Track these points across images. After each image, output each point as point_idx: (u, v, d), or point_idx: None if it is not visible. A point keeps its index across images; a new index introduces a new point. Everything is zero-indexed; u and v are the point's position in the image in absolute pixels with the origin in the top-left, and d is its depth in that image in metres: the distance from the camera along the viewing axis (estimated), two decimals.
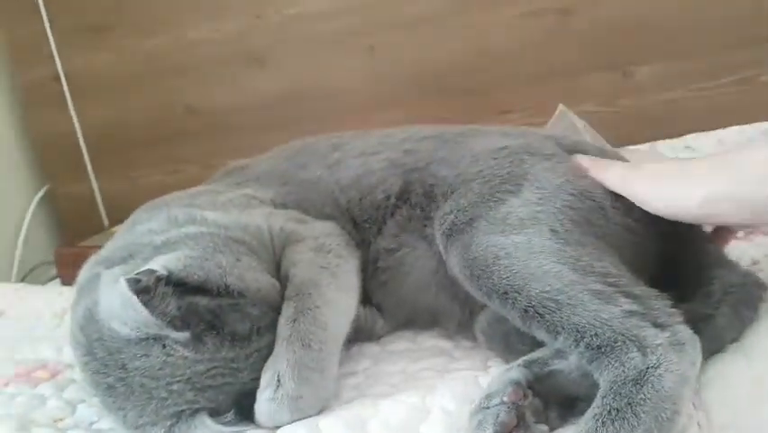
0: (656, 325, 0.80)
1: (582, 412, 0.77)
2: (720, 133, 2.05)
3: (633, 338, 0.78)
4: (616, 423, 0.73)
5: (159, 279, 0.84)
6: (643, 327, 0.80)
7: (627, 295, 0.83)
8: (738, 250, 1.08)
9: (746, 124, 2.03)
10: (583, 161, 1.05)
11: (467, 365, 0.99)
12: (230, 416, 0.88)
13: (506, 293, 0.88)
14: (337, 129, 1.32)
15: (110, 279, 0.91)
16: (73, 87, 2.66)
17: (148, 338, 0.86)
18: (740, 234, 1.07)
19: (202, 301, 0.88)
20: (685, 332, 0.80)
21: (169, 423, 0.87)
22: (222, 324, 0.88)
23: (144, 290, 0.83)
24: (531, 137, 1.13)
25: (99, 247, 1.08)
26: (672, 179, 0.94)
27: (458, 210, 1.00)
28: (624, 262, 0.92)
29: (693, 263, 0.99)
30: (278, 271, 1.03)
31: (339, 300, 0.99)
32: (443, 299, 1.08)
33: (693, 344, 0.80)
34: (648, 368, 0.76)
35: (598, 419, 0.74)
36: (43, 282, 2.43)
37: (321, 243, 1.06)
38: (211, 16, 2.51)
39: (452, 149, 1.13)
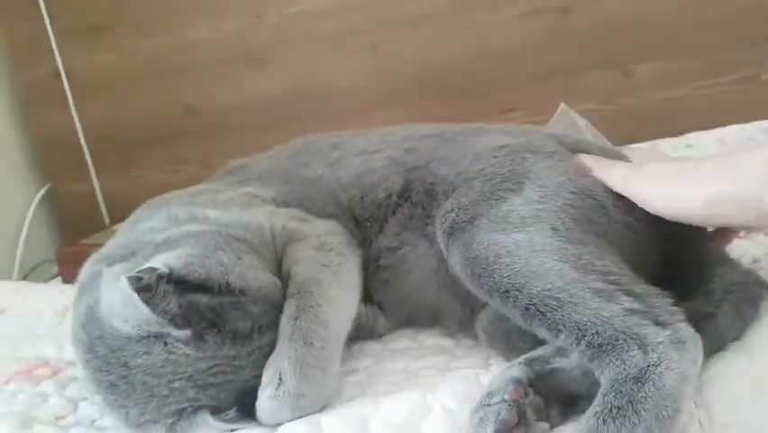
0: (657, 323, 0.80)
1: (583, 410, 0.77)
2: (721, 131, 2.05)
3: (634, 336, 0.79)
4: (617, 421, 0.73)
5: (160, 277, 0.85)
6: (644, 325, 0.80)
7: (628, 293, 0.83)
8: (739, 248, 1.08)
9: (747, 122, 2.03)
10: (586, 160, 1.05)
11: (468, 363, 0.99)
12: (231, 413, 0.88)
13: (507, 291, 0.88)
14: (338, 128, 1.32)
15: (111, 277, 0.91)
16: (74, 87, 2.66)
17: (149, 336, 0.86)
18: (741, 232, 1.07)
19: (203, 299, 0.88)
20: (686, 330, 0.80)
21: (170, 421, 0.87)
22: (223, 322, 0.89)
23: (145, 287, 0.83)
24: (532, 135, 1.13)
25: (100, 245, 1.08)
26: (675, 180, 0.94)
27: (459, 208, 1.00)
28: (625, 261, 0.92)
29: (694, 262, 0.99)
30: (280, 269, 1.02)
31: (340, 299, 0.99)
32: (445, 298, 1.08)
33: (694, 342, 0.80)
34: (649, 366, 0.76)
35: (599, 417, 0.74)
36: (45, 280, 2.44)
37: (322, 241, 1.06)
38: (211, 16, 2.51)
39: (453, 147, 1.13)
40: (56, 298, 1.53)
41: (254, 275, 0.95)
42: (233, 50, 2.52)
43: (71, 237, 2.64)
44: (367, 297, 1.10)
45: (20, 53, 2.68)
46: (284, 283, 0.99)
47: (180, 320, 0.85)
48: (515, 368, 0.85)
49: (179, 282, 0.87)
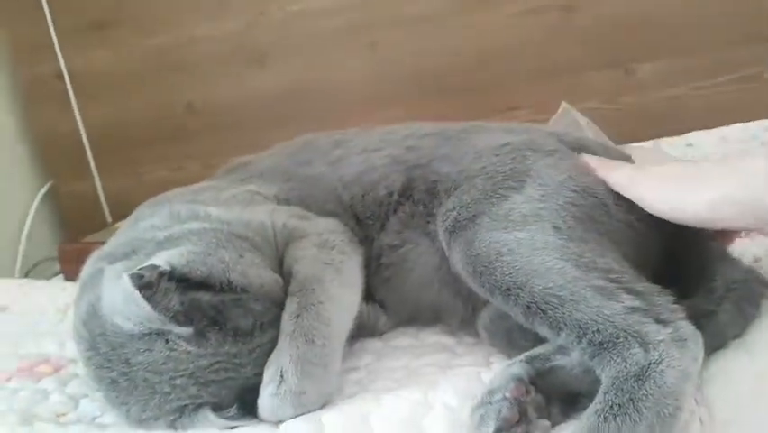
0: (658, 321, 0.80)
1: (584, 408, 0.77)
2: (724, 130, 2.05)
3: (635, 334, 0.79)
4: (618, 419, 0.73)
5: (161, 274, 0.85)
6: (645, 322, 0.80)
7: (630, 291, 0.83)
8: (740, 247, 1.08)
9: (749, 121, 2.03)
10: (590, 161, 1.05)
11: (469, 361, 0.99)
12: (233, 411, 0.88)
13: (508, 289, 0.88)
14: (339, 126, 1.32)
15: (113, 274, 0.91)
16: (76, 85, 2.66)
17: (151, 333, 0.86)
18: (742, 233, 1.07)
19: (205, 297, 0.88)
20: (687, 328, 0.80)
21: (171, 418, 0.87)
22: (224, 319, 0.89)
23: (147, 285, 0.83)
24: (534, 134, 1.13)
25: (102, 243, 1.08)
26: (679, 182, 0.94)
27: (461, 207, 1.00)
28: (626, 259, 0.92)
29: (695, 260, 0.99)
30: (281, 267, 1.03)
31: (342, 296, 0.99)
32: (446, 296, 1.08)
33: (695, 340, 0.80)
34: (650, 364, 0.76)
35: (600, 415, 0.74)
36: (47, 278, 2.43)
37: (324, 239, 1.06)
38: (213, 14, 2.51)
39: (454, 145, 1.13)
40: (58, 295, 1.53)
41: (256, 273, 0.95)
42: (235, 47, 2.52)
43: (73, 235, 2.64)
44: (368, 295, 1.10)
45: (22, 52, 2.68)
46: (285, 281, 0.99)
47: (182, 317, 0.86)
48: (516, 366, 0.85)
49: (181, 280, 0.87)
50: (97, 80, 2.64)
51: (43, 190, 2.74)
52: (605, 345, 0.79)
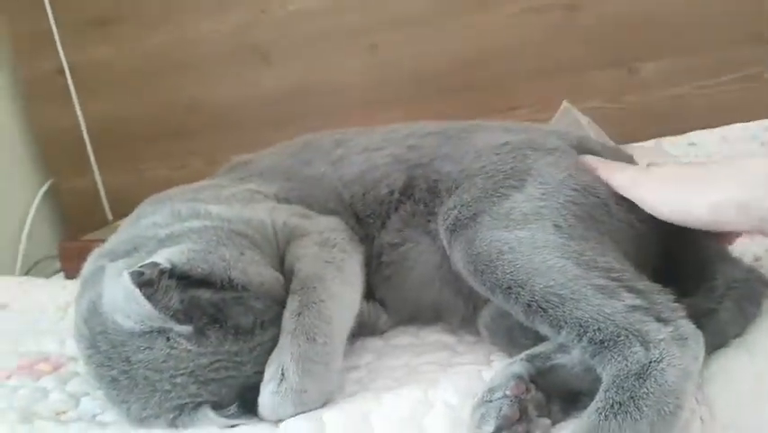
0: (659, 319, 0.80)
1: (585, 406, 0.77)
2: (725, 129, 2.05)
3: (636, 333, 0.79)
4: (618, 417, 0.73)
5: (162, 272, 0.85)
6: (646, 321, 0.80)
7: (630, 290, 0.83)
8: (741, 246, 1.08)
9: (751, 121, 2.03)
10: (593, 161, 1.05)
11: (470, 360, 0.99)
12: (233, 409, 0.88)
13: (509, 288, 0.88)
14: (341, 125, 1.32)
15: (114, 272, 0.91)
16: (77, 82, 2.66)
17: (151, 331, 0.86)
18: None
19: (205, 295, 0.88)
20: (688, 327, 0.80)
21: (172, 416, 0.87)
22: (225, 317, 0.89)
23: (147, 283, 0.83)
24: (534, 132, 1.14)
25: (103, 241, 1.08)
26: (681, 184, 0.94)
27: (461, 205, 1.00)
28: (627, 258, 0.92)
29: (696, 259, 0.99)
30: (282, 265, 1.03)
31: (343, 294, 0.99)
32: (447, 294, 1.08)
33: (696, 338, 0.80)
34: (651, 362, 0.76)
35: (600, 413, 0.74)
36: (47, 276, 2.44)
37: (325, 237, 1.06)
38: (215, 11, 2.52)
39: (455, 145, 1.13)
40: (58, 293, 1.53)
41: (256, 271, 0.95)
42: (237, 44, 2.52)
43: (74, 233, 2.64)
44: (369, 293, 1.10)
45: (23, 48, 2.68)
46: (287, 279, 0.99)
47: (182, 316, 0.86)
48: (516, 364, 0.85)
49: (182, 278, 0.87)
50: (99, 76, 2.65)
51: (44, 188, 2.74)
52: (606, 344, 0.79)
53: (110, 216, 2.72)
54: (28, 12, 2.61)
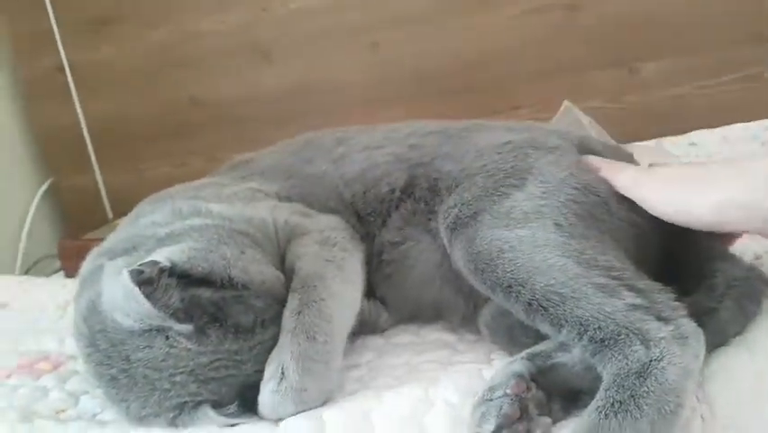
0: (660, 318, 0.80)
1: (585, 405, 0.77)
2: (725, 129, 2.05)
3: (636, 331, 0.79)
4: (619, 416, 0.73)
5: (162, 270, 0.84)
6: (646, 320, 0.80)
7: (631, 288, 0.83)
8: (741, 245, 1.08)
9: (751, 121, 2.03)
10: (595, 162, 1.05)
11: (470, 358, 0.99)
12: (233, 408, 0.88)
13: (510, 286, 0.88)
14: (342, 123, 1.32)
15: (113, 270, 0.91)
16: (77, 80, 2.66)
17: (151, 330, 0.86)
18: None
19: (205, 293, 0.88)
20: (688, 325, 0.80)
21: (171, 415, 0.87)
22: (225, 316, 0.88)
23: (147, 281, 0.83)
24: (535, 132, 1.14)
25: (102, 240, 1.08)
26: (683, 184, 0.94)
27: (462, 204, 1.00)
28: (627, 256, 0.92)
29: (696, 257, 0.98)
30: (283, 263, 1.02)
31: (344, 293, 0.99)
32: (448, 293, 1.08)
33: (697, 337, 0.80)
34: (651, 361, 0.76)
35: (601, 412, 0.74)
36: (47, 275, 2.45)
37: (326, 236, 1.06)
38: (216, 9, 2.52)
39: (456, 144, 1.13)
40: (58, 292, 1.53)
41: (257, 269, 0.95)
42: (239, 42, 2.52)
43: (74, 231, 2.64)
44: (369, 292, 1.10)
45: (23, 46, 2.69)
46: (287, 278, 0.99)
47: (182, 314, 0.85)
48: (517, 363, 0.85)
49: (182, 276, 0.87)
50: (99, 75, 2.65)
51: (44, 187, 2.74)
52: (606, 343, 0.79)
53: (110, 215, 2.73)
54: (28, 11, 2.61)
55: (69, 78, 2.65)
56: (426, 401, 0.84)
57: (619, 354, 0.78)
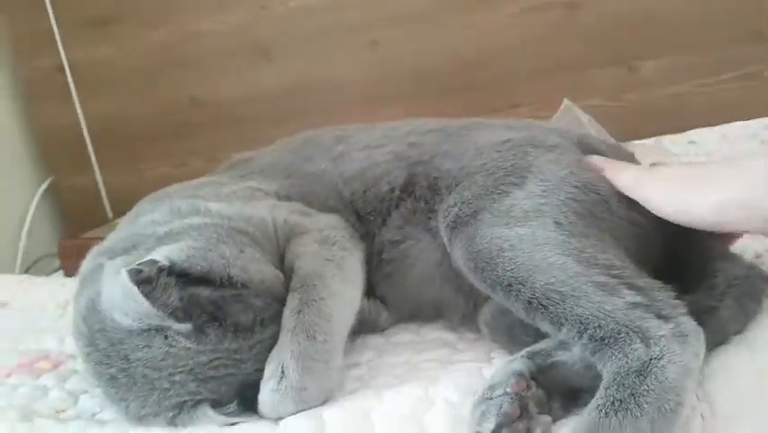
0: (660, 316, 0.80)
1: (585, 403, 0.77)
2: (725, 128, 2.05)
3: (636, 330, 0.78)
4: (619, 414, 0.73)
5: (161, 269, 0.84)
6: (646, 318, 0.79)
7: (631, 287, 0.83)
8: (741, 244, 1.08)
9: (751, 119, 2.03)
10: (597, 161, 1.05)
11: (470, 357, 0.99)
12: (233, 407, 0.88)
13: (510, 285, 0.88)
14: (341, 122, 1.32)
15: (112, 269, 0.91)
16: (77, 79, 2.66)
17: (150, 329, 0.86)
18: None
19: (204, 292, 0.88)
20: (689, 324, 0.80)
21: (171, 414, 0.87)
22: (224, 315, 0.88)
23: (146, 280, 0.83)
24: (535, 130, 1.14)
25: (102, 239, 1.08)
26: (684, 184, 0.94)
27: (462, 203, 1.00)
28: (627, 255, 0.92)
29: (697, 256, 0.98)
30: (282, 262, 1.02)
31: (344, 292, 0.99)
32: (448, 292, 1.08)
33: (697, 335, 0.80)
34: (651, 359, 0.76)
35: (601, 410, 0.74)
36: (47, 274, 2.44)
37: (326, 235, 1.06)
38: (216, 9, 2.51)
39: (456, 142, 1.13)
40: (58, 291, 1.53)
41: (256, 268, 0.95)
42: (239, 41, 2.52)
43: (74, 231, 2.64)
44: (369, 290, 1.10)
45: (23, 46, 2.68)
46: (287, 277, 0.98)
47: (181, 313, 0.85)
48: (517, 361, 0.85)
49: (181, 275, 0.87)
50: (99, 74, 2.64)
51: (44, 186, 2.74)
52: (606, 341, 0.79)
53: (110, 214, 2.72)
54: (28, 11, 2.61)
55: (69, 78, 2.64)
56: (426, 400, 0.84)
57: (619, 352, 0.78)
